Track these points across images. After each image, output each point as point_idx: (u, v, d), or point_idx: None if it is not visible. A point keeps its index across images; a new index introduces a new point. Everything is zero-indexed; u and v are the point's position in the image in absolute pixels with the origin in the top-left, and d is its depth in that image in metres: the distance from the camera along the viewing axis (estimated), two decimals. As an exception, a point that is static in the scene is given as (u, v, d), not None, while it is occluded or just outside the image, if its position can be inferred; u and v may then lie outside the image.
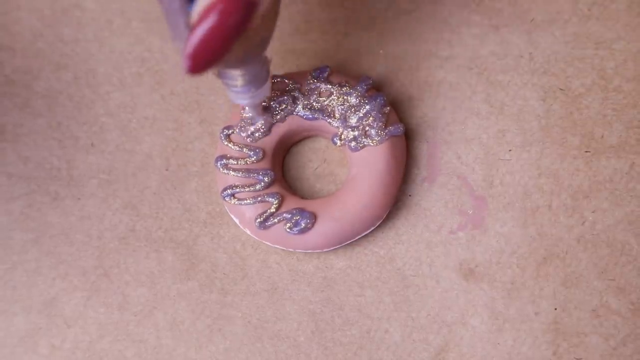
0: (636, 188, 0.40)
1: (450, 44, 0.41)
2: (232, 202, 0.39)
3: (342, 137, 0.39)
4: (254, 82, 0.33)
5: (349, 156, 0.39)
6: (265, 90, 0.34)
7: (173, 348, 0.41)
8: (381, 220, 0.39)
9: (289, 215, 0.38)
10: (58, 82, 0.42)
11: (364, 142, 0.39)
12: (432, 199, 0.41)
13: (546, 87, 0.41)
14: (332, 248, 0.39)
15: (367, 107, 0.38)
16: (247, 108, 0.37)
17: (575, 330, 0.40)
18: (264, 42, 0.30)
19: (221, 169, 0.39)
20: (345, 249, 0.41)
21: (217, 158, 0.39)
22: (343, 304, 0.40)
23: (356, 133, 0.39)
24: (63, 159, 0.42)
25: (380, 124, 0.38)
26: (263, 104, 0.38)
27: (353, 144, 0.39)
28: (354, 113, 0.39)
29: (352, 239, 0.39)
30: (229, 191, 0.39)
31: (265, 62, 0.33)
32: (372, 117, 0.38)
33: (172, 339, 0.41)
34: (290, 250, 0.39)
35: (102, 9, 0.42)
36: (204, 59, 0.26)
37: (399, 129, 0.39)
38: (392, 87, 0.41)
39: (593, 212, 0.40)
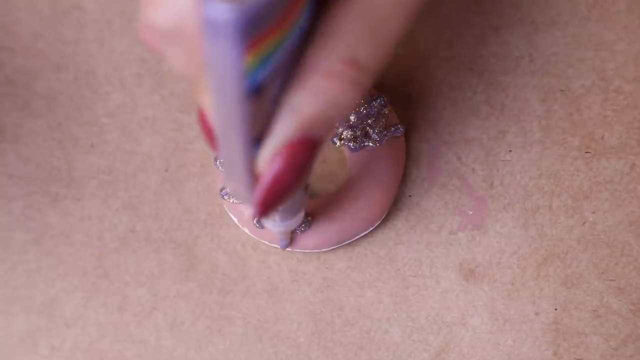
0: (637, 189, 0.40)
1: (451, 44, 0.41)
2: (231, 201, 0.39)
3: (342, 137, 0.39)
4: (289, 212, 0.33)
5: (349, 156, 0.39)
6: (298, 220, 0.34)
7: (173, 348, 0.41)
8: (380, 221, 0.39)
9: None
10: (58, 82, 0.42)
11: (363, 142, 0.39)
12: (432, 200, 0.41)
13: (546, 88, 0.41)
14: (331, 248, 0.39)
15: (367, 107, 0.38)
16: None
17: (575, 331, 0.40)
18: (310, 173, 0.30)
19: (221, 168, 0.39)
20: (345, 250, 0.41)
21: (216, 157, 0.39)
22: (343, 305, 0.40)
23: (356, 133, 0.39)
24: (63, 159, 0.42)
25: (380, 124, 0.38)
26: None
27: (353, 144, 0.39)
28: (354, 113, 0.39)
29: (351, 239, 0.39)
30: (228, 190, 0.39)
31: (303, 193, 0.32)
32: (372, 117, 0.38)
33: (172, 340, 0.41)
34: (290, 250, 0.39)
35: (102, 9, 0.42)
36: (274, 201, 0.25)
37: (398, 129, 0.39)
38: (392, 87, 0.41)
39: (593, 212, 0.40)
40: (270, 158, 0.24)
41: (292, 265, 0.41)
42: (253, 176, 0.25)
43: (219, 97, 0.21)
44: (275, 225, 0.34)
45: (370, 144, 0.39)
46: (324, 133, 0.24)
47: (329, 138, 0.26)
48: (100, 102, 0.42)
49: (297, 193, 0.30)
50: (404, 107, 0.41)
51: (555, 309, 0.40)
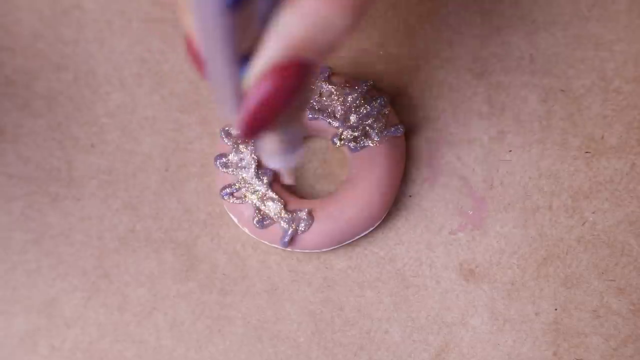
0: (636, 189, 0.40)
1: (451, 44, 0.41)
2: (231, 201, 0.39)
3: (342, 137, 0.39)
4: (288, 146, 0.32)
5: (349, 156, 0.39)
6: (299, 156, 0.33)
7: (173, 348, 0.41)
8: (380, 221, 0.39)
9: (288, 215, 0.38)
10: (58, 82, 0.42)
11: (363, 142, 0.39)
12: (433, 200, 0.41)
13: (547, 88, 0.41)
14: (331, 248, 0.39)
15: (367, 107, 0.38)
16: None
17: (575, 331, 0.40)
18: (305, 105, 0.29)
19: (220, 168, 0.39)
20: (345, 250, 0.41)
21: (216, 157, 0.39)
22: (343, 305, 0.40)
23: (356, 133, 0.39)
24: (63, 159, 0.42)
25: (380, 124, 0.38)
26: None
27: (353, 144, 0.39)
28: (354, 113, 0.39)
29: (351, 239, 0.39)
30: (228, 190, 0.39)
31: (301, 126, 0.31)
32: (372, 117, 0.38)
33: (172, 340, 0.41)
34: (290, 250, 0.39)
35: (102, 9, 0.42)
36: (260, 124, 0.25)
37: (398, 129, 0.39)
38: (392, 87, 0.41)
39: (593, 212, 0.40)
40: (257, 78, 0.24)
41: (292, 265, 0.41)
42: (240, 95, 0.24)
43: (198, 12, 0.21)
44: (275, 161, 0.32)
45: (370, 144, 0.39)
46: (315, 57, 0.24)
47: (321, 63, 0.25)
48: (100, 102, 0.42)
49: (294, 123, 0.30)
50: (404, 107, 0.41)
51: (555, 309, 0.40)
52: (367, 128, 0.39)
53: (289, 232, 0.38)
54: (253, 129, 0.25)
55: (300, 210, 0.38)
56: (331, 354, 0.40)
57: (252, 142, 0.31)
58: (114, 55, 0.42)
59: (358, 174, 0.39)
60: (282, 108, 0.24)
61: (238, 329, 0.41)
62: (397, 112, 0.41)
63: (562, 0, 0.41)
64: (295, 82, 0.24)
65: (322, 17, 0.23)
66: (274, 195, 0.38)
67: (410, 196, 0.41)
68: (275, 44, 0.23)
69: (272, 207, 0.38)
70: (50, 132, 0.42)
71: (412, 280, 0.40)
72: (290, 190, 0.40)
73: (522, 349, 0.40)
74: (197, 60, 0.25)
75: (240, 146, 0.38)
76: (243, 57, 0.24)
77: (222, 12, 0.20)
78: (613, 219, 0.40)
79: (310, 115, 0.39)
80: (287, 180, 0.36)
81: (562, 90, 0.41)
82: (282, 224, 0.38)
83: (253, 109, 0.24)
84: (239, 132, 0.25)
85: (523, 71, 0.41)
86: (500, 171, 0.41)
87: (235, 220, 0.39)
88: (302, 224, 0.38)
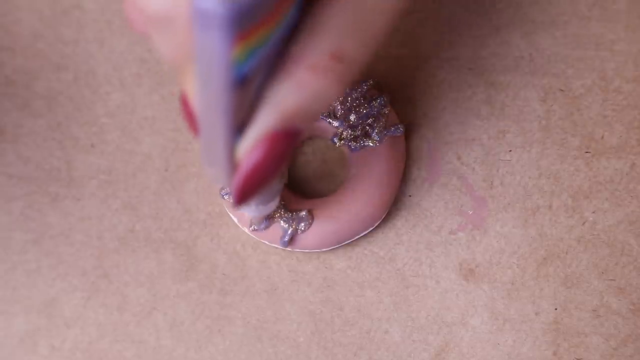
0: (636, 189, 0.40)
1: (451, 44, 0.41)
2: (231, 201, 0.39)
3: (342, 137, 0.39)
4: (265, 198, 0.33)
5: (349, 156, 0.39)
6: (273, 206, 0.35)
7: (173, 349, 0.41)
8: (380, 221, 0.39)
9: (288, 215, 0.38)
10: (58, 82, 0.42)
11: (363, 142, 0.39)
12: (432, 200, 0.41)
13: (546, 87, 0.41)
14: (330, 248, 0.39)
15: (367, 107, 0.38)
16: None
17: (575, 331, 0.40)
18: (288, 164, 0.30)
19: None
20: (345, 249, 0.41)
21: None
22: (343, 305, 0.40)
23: (356, 133, 0.39)
24: (63, 159, 0.42)
25: (380, 124, 0.38)
26: None
27: (353, 144, 0.39)
28: (354, 113, 0.39)
29: (351, 239, 0.39)
30: (227, 189, 0.39)
31: (280, 182, 0.33)
32: (372, 117, 0.38)
33: (171, 340, 0.41)
34: (289, 250, 0.39)
35: (102, 9, 0.42)
36: (252, 190, 0.26)
37: (398, 129, 0.39)
38: (392, 87, 0.41)
39: (593, 212, 0.40)
40: (250, 147, 0.24)
41: (292, 265, 0.41)
42: (233, 163, 0.25)
43: (205, 85, 0.21)
44: (250, 210, 0.34)
45: (370, 144, 0.39)
46: (304, 125, 0.25)
47: (308, 130, 0.26)
48: (100, 102, 0.42)
49: (274, 181, 0.31)
50: (404, 107, 0.41)
51: (555, 309, 0.40)
52: (367, 128, 0.39)
53: (289, 231, 0.38)
54: (245, 195, 0.26)
55: (300, 210, 0.38)
56: (331, 354, 0.40)
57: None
58: (114, 55, 0.42)
59: (358, 174, 0.39)
60: (272, 174, 0.25)
61: (238, 329, 0.41)
62: (397, 112, 0.41)
63: (562, 0, 0.41)
64: (285, 148, 0.25)
65: (315, 89, 0.23)
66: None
67: (410, 196, 0.41)
68: (269, 114, 0.24)
69: (272, 207, 0.38)
70: (50, 132, 0.42)
71: (412, 280, 0.40)
72: (290, 189, 0.40)
73: (522, 348, 0.40)
74: (190, 120, 0.26)
75: None
76: (237, 127, 0.24)
77: (228, 90, 0.21)
78: (613, 218, 0.40)
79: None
80: (254, 226, 0.37)
81: (562, 90, 0.41)
82: (282, 224, 0.38)
83: (245, 176, 0.25)
84: (231, 200, 0.26)
85: (523, 71, 0.41)
86: (500, 171, 0.40)
87: (235, 220, 0.39)
88: (302, 224, 0.38)
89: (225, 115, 0.22)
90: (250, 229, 0.39)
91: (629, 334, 0.39)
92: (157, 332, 0.41)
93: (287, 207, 0.39)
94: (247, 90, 0.22)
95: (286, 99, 0.23)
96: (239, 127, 0.24)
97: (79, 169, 0.42)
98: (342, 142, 0.39)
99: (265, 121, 0.24)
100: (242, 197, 0.26)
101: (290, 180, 0.41)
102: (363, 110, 0.38)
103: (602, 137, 0.40)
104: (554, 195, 0.40)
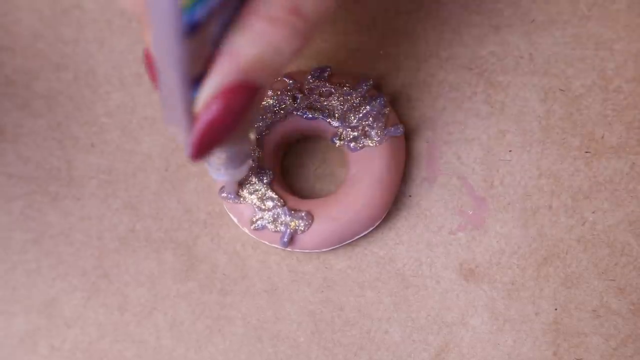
0: (636, 189, 0.40)
1: (451, 44, 0.41)
2: (231, 201, 0.39)
3: (342, 137, 0.39)
4: (233, 161, 0.33)
5: (349, 156, 0.39)
6: (243, 171, 0.34)
7: (173, 349, 0.41)
8: (380, 221, 0.39)
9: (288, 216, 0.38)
10: (58, 82, 0.42)
11: (363, 142, 0.39)
12: (432, 200, 0.41)
13: (546, 87, 0.41)
14: (330, 248, 0.39)
15: (367, 107, 0.38)
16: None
17: (575, 331, 0.40)
18: (252, 123, 0.30)
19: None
20: (345, 250, 0.41)
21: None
22: (343, 305, 0.40)
23: (356, 133, 0.39)
24: (63, 159, 0.42)
25: (379, 124, 0.38)
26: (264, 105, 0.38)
27: (352, 144, 0.39)
28: (354, 113, 0.39)
29: (351, 239, 0.39)
30: (226, 190, 0.39)
31: (248, 143, 0.33)
32: (372, 117, 0.38)
33: (171, 340, 0.41)
34: (289, 250, 0.39)
35: (102, 9, 0.42)
36: (209, 145, 0.26)
37: (398, 129, 0.39)
38: (392, 87, 0.41)
39: (593, 212, 0.40)
40: (207, 100, 0.25)
41: (292, 265, 0.41)
42: (191, 116, 0.25)
43: (157, 33, 0.21)
44: (219, 174, 0.34)
45: (370, 144, 0.38)
46: (262, 79, 0.25)
47: (268, 86, 0.26)
48: (100, 101, 0.42)
49: (240, 141, 0.31)
50: (404, 107, 0.41)
51: (555, 309, 0.40)
52: (367, 128, 0.39)
53: (289, 232, 0.38)
54: (202, 150, 0.26)
55: (300, 210, 0.38)
56: (331, 354, 0.40)
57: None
58: (113, 55, 0.42)
59: (358, 174, 0.39)
60: (230, 129, 0.25)
61: (238, 329, 0.41)
62: (397, 112, 0.41)
63: (562, 0, 0.41)
64: (243, 103, 0.25)
65: (272, 41, 0.24)
66: (273, 195, 0.38)
67: (410, 196, 0.41)
68: (226, 67, 0.24)
69: (272, 207, 0.38)
70: (50, 132, 0.42)
71: (412, 280, 0.40)
72: (290, 190, 0.40)
73: (522, 349, 0.40)
74: (152, 73, 0.27)
75: None
76: (194, 79, 0.25)
77: (179, 36, 0.21)
78: (613, 219, 0.40)
79: (310, 115, 0.39)
80: (227, 194, 0.37)
81: (562, 90, 0.41)
82: (280, 223, 0.38)
83: (202, 130, 0.25)
84: (188, 153, 0.26)
85: (522, 70, 0.41)
86: (500, 171, 0.40)
87: (235, 220, 0.39)
88: (302, 224, 0.38)
89: (179, 62, 0.22)
90: (222, 195, 0.38)
91: (629, 334, 0.39)
92: (157, 332, 0.41)
93: (287, 207, 0.39)
94: (201, 39, 0.22)
95: (244, 49, 0.24)
96: (197, 79, 0.24)
97: (79, 168, 0.42)
98: (341, 142, 0.39)
99: (223, 73, 0.24)
100: (200, 151, 0.26)
101: (290, 180, 0.41)
102: (363, 110, 0.38)
103: (602, 137, 0.40)
104: (553, 196, 0.40)
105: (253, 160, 0.38)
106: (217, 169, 0.33)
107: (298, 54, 0.25)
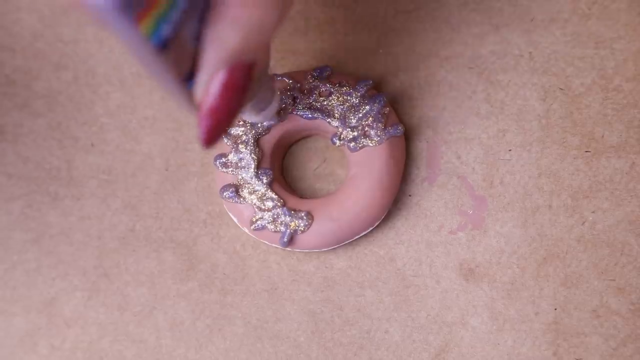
0: (636, 188, 0.40)
1: (451, 43, 0.41)
2: (231, 201, 0.39)
3: (342, 137, 0.39)
4: (262, 103, 0.34)
5: (348, 156, 0.39)
6: (274, 107, 0.36)
7: (173, 348, 0.41)
8: (380, 220, 0.39)
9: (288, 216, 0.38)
10: (58, 82, 0.42)
11: (363, 142, 0.38)
12: (432, 199, 0.41)
13: (546, 86, 0.41)
14: (330, 248, 0.39)
15: (367, 107, 0.38)
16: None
17: (575, 331, 0.40)
18: (265, 71, 0.31)
19: (220, 168, 0.39)
20: (345, 249, 0.41)
21: (216, 156, 0.39)
22: (343, 304, 0.40)
23: (355, 133, 0.39)
24: (63, 159, 0.42)
25: (379, 124, 0.38)
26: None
27: (352, 144, 0.39)
28: (354, 113, 0.38)
29: (351, 238, 0.39)
30: (227, 190, 0.39)
31: (270, 84, 0.34)
32: (372, 117, 0.38)
33: (172, 339, 0.41)
34: (289, 249, 0.39)
35: (101, 9, 0.42)
36: (217, 130, 0.26)
37: (398, 129, 0.39)
38: (392, 87, 0.41)
39: (593, 212, 0.40)
40: (204, 90, 0.25)
41: (292, 265, 0.41)
42: (194, 106, 0.26)
43: (136, 57, 0.22)
44: (253, 119, 0.36)
45: (370, 143, 0.38)
46: (253, 56, 0.25)
47: (264, 56, 0.27)
48: (100, 101, 0.42)
49: (260, 92, 0.32)
50: (404, 107, 0.41)
51: (555, 309, 0.40)
52: (367, 128, 0.39)
53: (289, 232, 0.38)
54: (212, 136, 0.27)
55: (300, 210, 0.38)
56: (331, 353, 0.40)
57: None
58: (113, 54, 0.42)
59: (358, 174, 0.39)
60: (235, 108, 0.26)
61: (238, 329, 0.41)
62: (397, 112, 0.41)
63: (562, -1, 0.41)
64: (242, 81, 0.26)
65: (251, 21, 0.24)
66: (273, 195, 0.38)
67: (410, 196, 0.41)
68: (215, 57, 0.25)
69: (272, 207, 0.38)
70: (50, 132, 0.42)
71: (412, 279, 0.40)
72: (290, 189, 0.40)
73: (521, 348, 0.40)
74: None
75: (240, 146, 0.38)
76: (187, 75, 0.25)
77: (154, 55, 0.22)
78: (613, 218, 0.40)
79: (310, 115, 0.39)
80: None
81: (562, 89, 0.41)
82: (280, 223, 0.38)
83: (207, 118, 0.26)
84: (200, 142, 0.27)
85: (522, 69, 0.41)
86: (500, 170, 0.40)
87: (235, 220, 0.39)
88: (302, 224, 0.38)
89: (164, 72, 0.23)
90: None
91: (629, 334, 0.39)
92: (157, 332, 0.41)
93: (287, 207, 0.39)
94: (178, 46, 0.23)
95: (227, 37, 0.24)
96: (190, 74, 0.25)
97: (79, 168, 0.42)
98: (341, 142, 0.39)
99: (214, 62, 0.25)
100: (210, 137, 0.26)
101: (290, 180, 0.41)
102: (363, 110, 0.38)
103: (602, 136, 0.40)
104: (553, 195, 0.40)
105: (256, 157, 0.39)
106: (249, 114, 0.35)
107: (283, 20, 0.26)
